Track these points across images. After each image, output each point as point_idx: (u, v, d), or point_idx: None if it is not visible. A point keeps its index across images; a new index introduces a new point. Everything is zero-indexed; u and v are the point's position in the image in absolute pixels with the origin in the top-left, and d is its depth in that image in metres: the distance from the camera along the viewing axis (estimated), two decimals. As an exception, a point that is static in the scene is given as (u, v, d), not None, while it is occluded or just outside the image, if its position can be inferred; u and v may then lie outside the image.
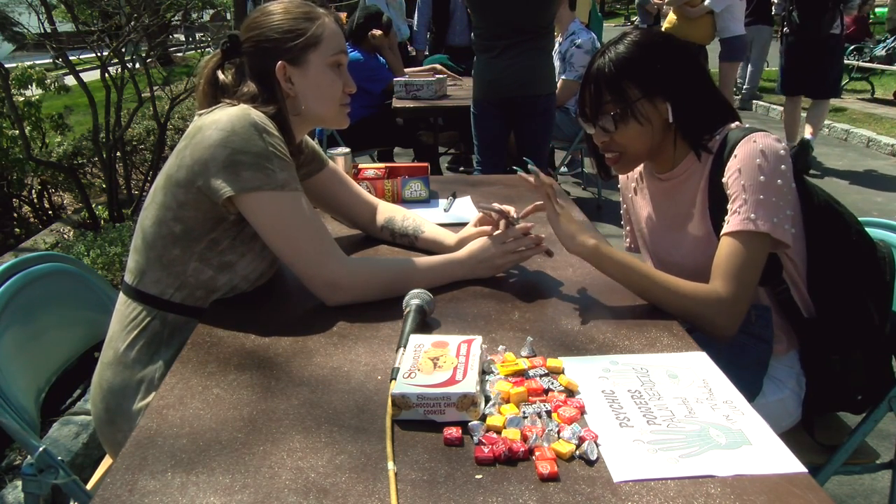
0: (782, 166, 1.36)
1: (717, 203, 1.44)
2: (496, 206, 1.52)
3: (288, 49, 1.40)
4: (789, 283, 1.47)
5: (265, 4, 1.47)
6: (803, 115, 5.87)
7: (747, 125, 1.47)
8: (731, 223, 1.36)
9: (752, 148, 1.37)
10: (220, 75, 1.43)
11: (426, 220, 1.71)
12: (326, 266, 1.34)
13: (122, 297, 1.42)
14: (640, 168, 1.64)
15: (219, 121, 1.31)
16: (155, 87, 4.61)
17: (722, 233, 1.38)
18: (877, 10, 12.28)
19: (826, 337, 1.47)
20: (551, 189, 1.43)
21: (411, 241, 1.69)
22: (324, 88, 1.45)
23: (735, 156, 1.38)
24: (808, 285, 1.47)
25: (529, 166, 1.45)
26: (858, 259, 1.48)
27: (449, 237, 1.63)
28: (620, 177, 1.73)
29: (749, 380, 1.37)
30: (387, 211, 1.75)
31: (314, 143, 1.67)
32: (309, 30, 1.42)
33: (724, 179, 1.40)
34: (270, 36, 1.40)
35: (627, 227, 1.79)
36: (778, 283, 1.46)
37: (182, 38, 12.35)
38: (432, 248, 1.65)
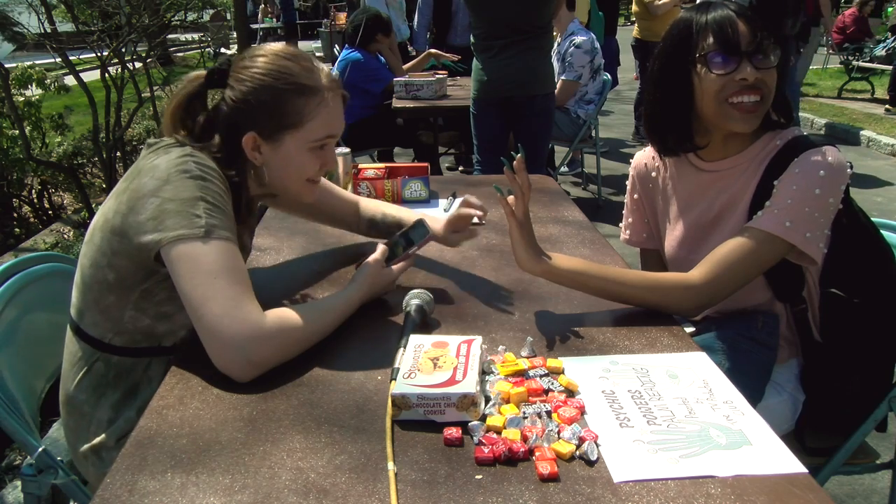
0: (841, 186, 1.34)
1: (760, 208, 1.38)
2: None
3: (263, 122, 1.25)
4: (808, 303, 1.46)
5: (264, 48, 1.29)
6: None
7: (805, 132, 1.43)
8: (764, 220, 1.33)
9: (821, 160, 1.33)
10: (195, 106, 1.29)
11: (398, 209, 1.67)
12: (238, 320, 1.10)
13: (69, 330, 1.34)
14: (665, 161, 1.58)
15: (157, 167, 1.20)
16: (155, 87, 4.62)
17: (747, 224, 1.35)
18: (888, 8, 12.13)
19: (830, 362, 1.46)
20: (526, 191, 1.30)
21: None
22: (294, 168, 1.31)
23: (799, 160, 1.35)
24: (821, 305, 1.45)
25: (517, 156, 1.31)
26: (884, 288, 1.45)
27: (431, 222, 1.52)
28: (636, 165, 1.67)
29: (752, 387, 1.36)
30: (368, 210, 1.68)
31: None
32: (295, 107, 1.24)
33: (775, 182, 1.36)
34: (248, 99, 1.24)
35: (630, 219, 1.73)
36: (798, 300, 1.46)
37: (182, 38, 12.35)
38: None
